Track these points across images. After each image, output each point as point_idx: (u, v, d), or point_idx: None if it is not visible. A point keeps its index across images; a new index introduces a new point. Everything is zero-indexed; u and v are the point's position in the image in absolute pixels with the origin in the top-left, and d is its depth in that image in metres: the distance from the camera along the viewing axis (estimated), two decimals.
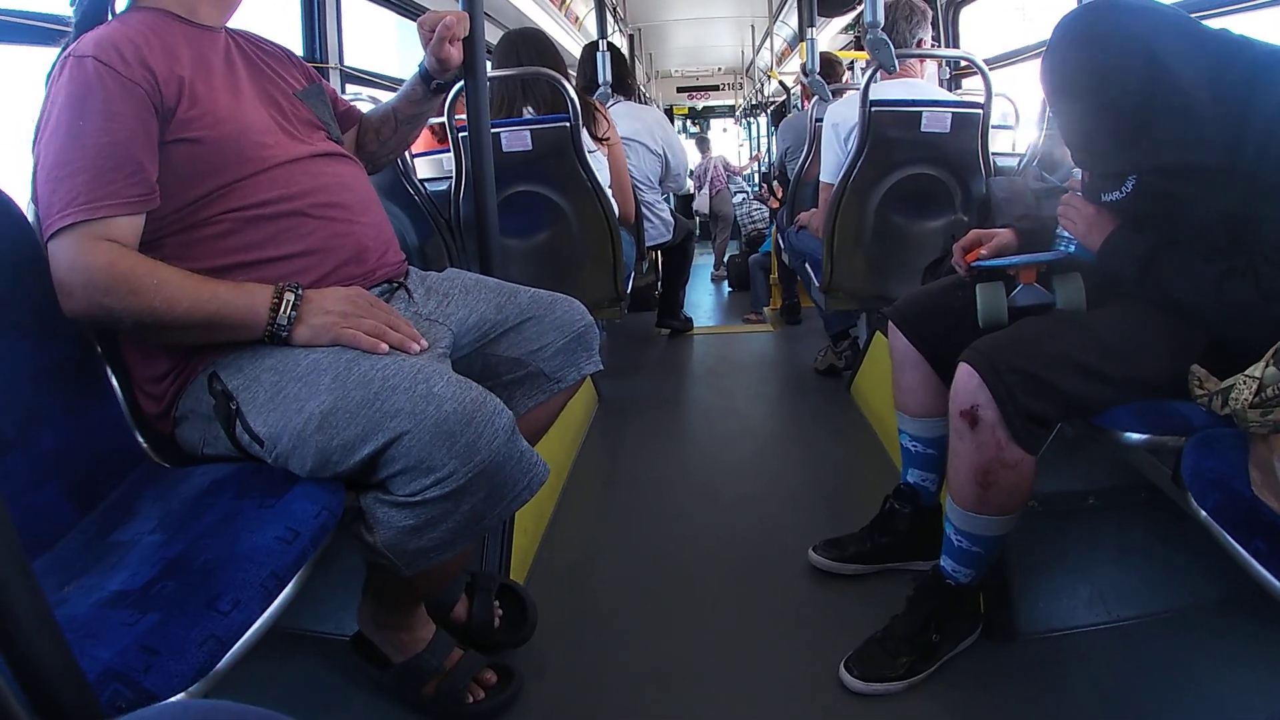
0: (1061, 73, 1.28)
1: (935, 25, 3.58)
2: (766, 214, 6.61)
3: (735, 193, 8.39)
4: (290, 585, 0.99)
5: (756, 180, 9.11)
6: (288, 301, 1.20)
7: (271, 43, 1.50)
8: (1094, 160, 1.34)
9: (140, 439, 1.32)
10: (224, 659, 0.88)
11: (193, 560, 0.98)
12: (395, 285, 1.43)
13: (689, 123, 14.59)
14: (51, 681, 0.71)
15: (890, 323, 1.68)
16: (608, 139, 2.97)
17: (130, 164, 1.16)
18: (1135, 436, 1.27)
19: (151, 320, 1.15)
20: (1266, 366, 1.12)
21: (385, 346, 1.19)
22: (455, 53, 1.56)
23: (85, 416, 1.25)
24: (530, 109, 2.83)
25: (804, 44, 3.80)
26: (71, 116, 1.14)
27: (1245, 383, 1.14)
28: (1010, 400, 1.28)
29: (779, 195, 4.68)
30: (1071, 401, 1.30)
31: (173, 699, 0.82)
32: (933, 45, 2.89)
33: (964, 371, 1.33)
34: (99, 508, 1.20)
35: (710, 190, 8.71)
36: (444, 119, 2.64)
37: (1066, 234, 1.46)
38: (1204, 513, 1.11)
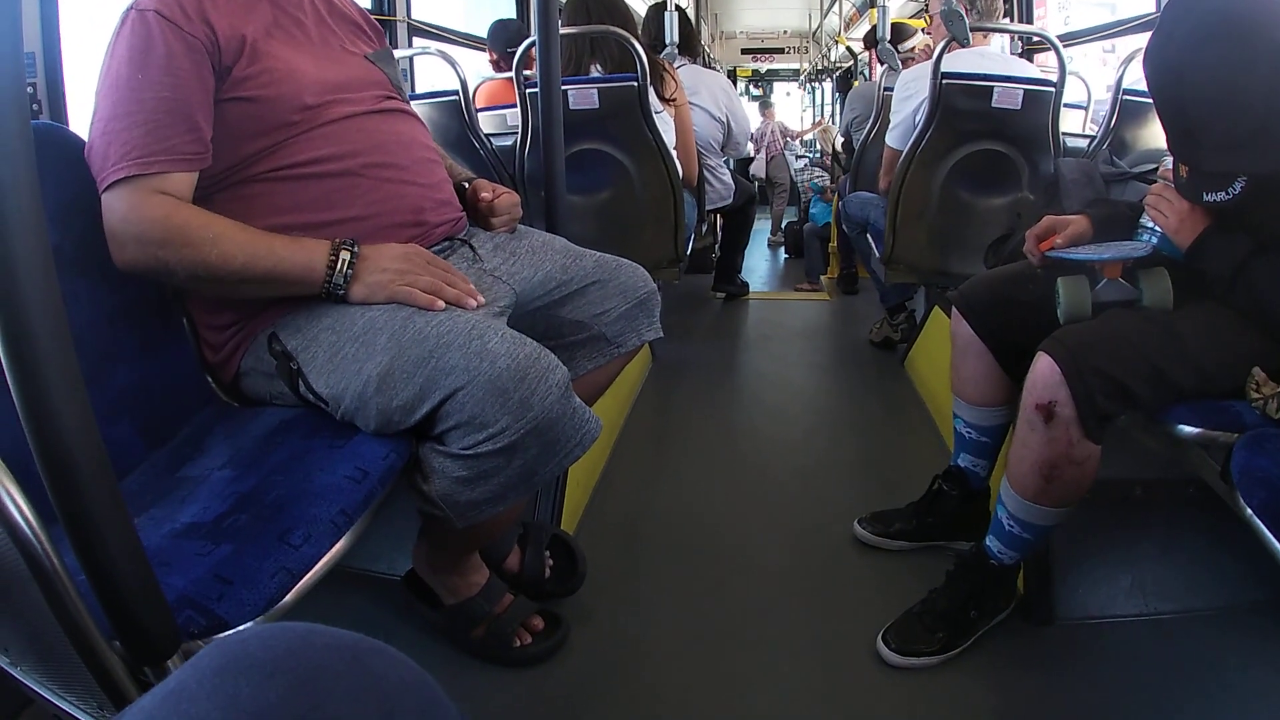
0: (1180, 61, 1.19)
1: None
2: (827, 180, 6.50)
3: (797, 158, 8.26)
4: (357, 523, 1.02)
5: (819, 148, 8.95)
6: (344, 259, 1.20)
7: (350, 2, 1.49)
8: (1203, 157, 1.23)
9: (210, 379, 1.35)
10: (293, 591, 0.91)
11: (264, 495, 1.02)
12: (458, 242, 1.42)
13: (751, 85, 14.37)
14: (134, 605, 0.75)
15: (955, 309, 1.64)
16: (674, 99, 2.94)
17: (187, 120, 1.16)
18: (1188, 430, 1.26)
19: (206, 274, 1.16)
20: None
21: (441, 304, 1.18)
22: (494, 222, 1.52)
23: (158, 356, 1.28)
24: (598, 67, 2.82)
25: (874, 10, 3.73)
26: (131, 70, 1.14)
27: None
28: (1089, 401, 1.25)
29: (843, 164, 4.62)
30: (1144, 404, 1.27)
31: (247, 624, 0.85)
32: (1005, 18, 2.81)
33: (1044, 364, 1.29)
34: (169, 444, 1.24)
35: (766, 155, 8.56)
36: (512, 74, 2.64)
37: (1149, 224, 1.40)
38: (1249, 510, 1.09)
